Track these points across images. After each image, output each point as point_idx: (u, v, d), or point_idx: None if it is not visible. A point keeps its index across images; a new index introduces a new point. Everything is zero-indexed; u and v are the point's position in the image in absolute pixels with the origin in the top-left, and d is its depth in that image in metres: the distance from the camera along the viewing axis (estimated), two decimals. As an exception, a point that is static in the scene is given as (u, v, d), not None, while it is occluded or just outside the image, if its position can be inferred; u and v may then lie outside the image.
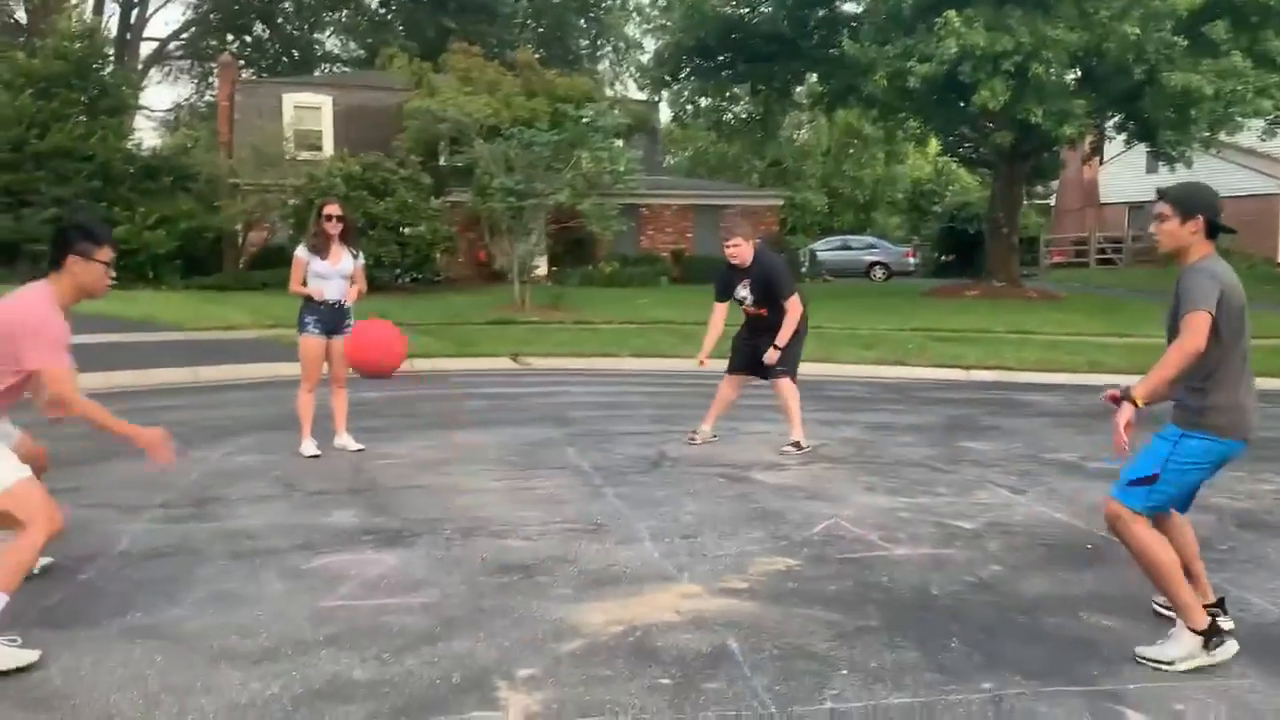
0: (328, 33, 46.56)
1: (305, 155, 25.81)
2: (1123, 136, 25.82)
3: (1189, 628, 3.52)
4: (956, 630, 3.85)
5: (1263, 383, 4.92)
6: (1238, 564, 4.75)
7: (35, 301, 3.70)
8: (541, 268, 24.38)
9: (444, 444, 7.45)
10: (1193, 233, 3.58)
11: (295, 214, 21.69)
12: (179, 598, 4.14)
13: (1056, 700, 3.28)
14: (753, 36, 25.21)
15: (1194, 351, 3.40)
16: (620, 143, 22.39)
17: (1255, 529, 5.37)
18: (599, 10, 45.99)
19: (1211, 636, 3.50)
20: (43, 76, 23.35)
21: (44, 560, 3.69)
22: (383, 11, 44.61)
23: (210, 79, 42.45)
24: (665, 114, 35.60)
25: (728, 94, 28.87)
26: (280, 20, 43.94)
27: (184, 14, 43.28)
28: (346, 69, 43.01)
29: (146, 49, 41.91)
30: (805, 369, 7.48)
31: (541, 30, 45.16)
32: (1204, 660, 3.49)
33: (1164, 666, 3.50)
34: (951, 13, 18.90)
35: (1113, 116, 24.35)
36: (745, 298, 7.25)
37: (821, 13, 24.94)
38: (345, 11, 43.55)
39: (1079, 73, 21.66)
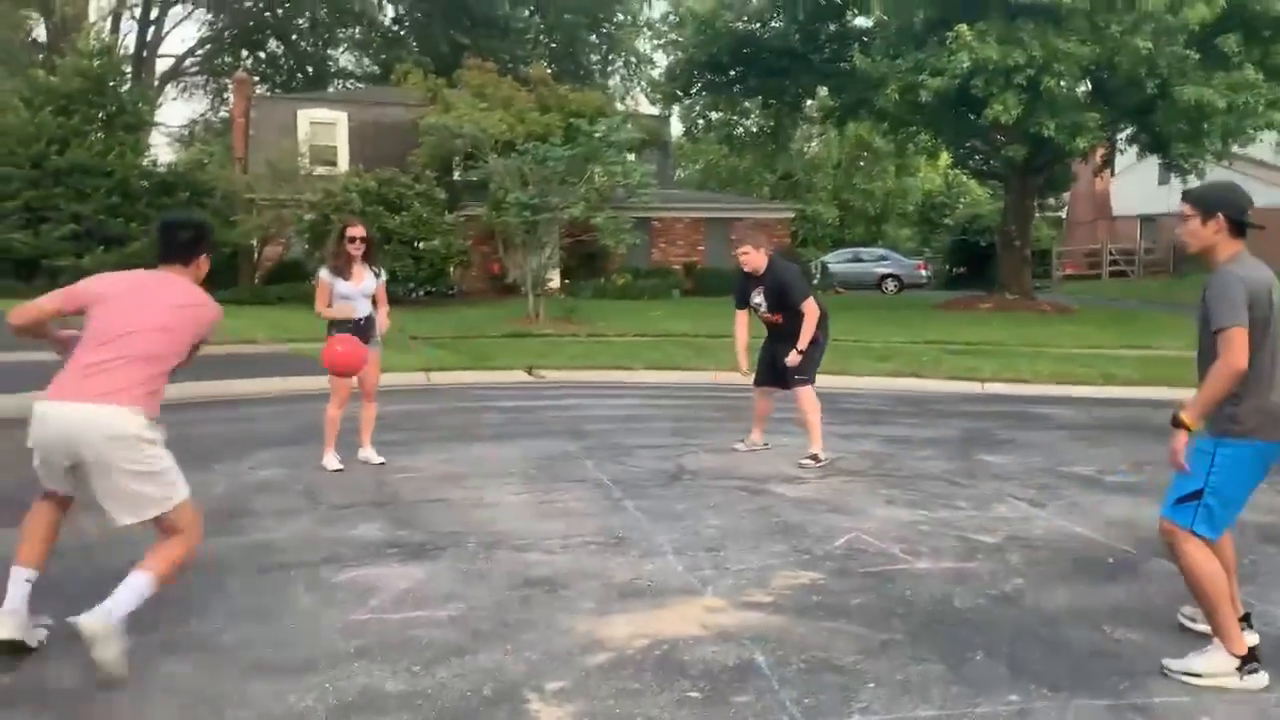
0: (342, 49, 46.91)
1: (320, 170, 26.00)
2: (1135, 149, 25.81)
3: (1228, 650, 3.52)
4: (980, 643, 3.88)
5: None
6: (1262, 578, 4.75)
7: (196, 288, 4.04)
8: (555, 281, 24.47)
9: (463, 457, 7.50)
10: (1215, 231, 3.59)
11: (311, 229, 21.82)
12: (210, 611, 4.19)
13: (1082, 713, 3.31)
14: (764, 51, 25.32)
15: (1238, 370, 3.40)
16: (633, 157, 22.49)
17: (1278, 543, 5.37)
18: (610, 26, 46.23)
19: (1246, 663, 3.50)
20: (62, 93, 23.57)
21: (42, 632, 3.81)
22: (396, 28, 44.95)
23: (225, 95, 42.82)
24: (676, 128, 35.80)
25: (739, 108, 28.97)
26: (295, 37, 44.29)
27: (199, 31, 43.64)
28: (361, 85, 43.31)
29: (163, 65, 42.33)
30: (820, 381, 7.50)
31: (554, 46, 45.41)
32: (1233, 684, 3.48)
33: (1190, 680, 3.51)
34: (963, 27, 18.95)
35: (1125, 129, 24.35)
36: (760, 304, 7.37)
37: (833, 27, 25.04)
38: (359, 28, 43.88)
39: (1090, 86, 21.69)
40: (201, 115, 47.85)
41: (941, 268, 38.67)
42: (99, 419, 3.54)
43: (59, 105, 23.36)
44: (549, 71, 29.57)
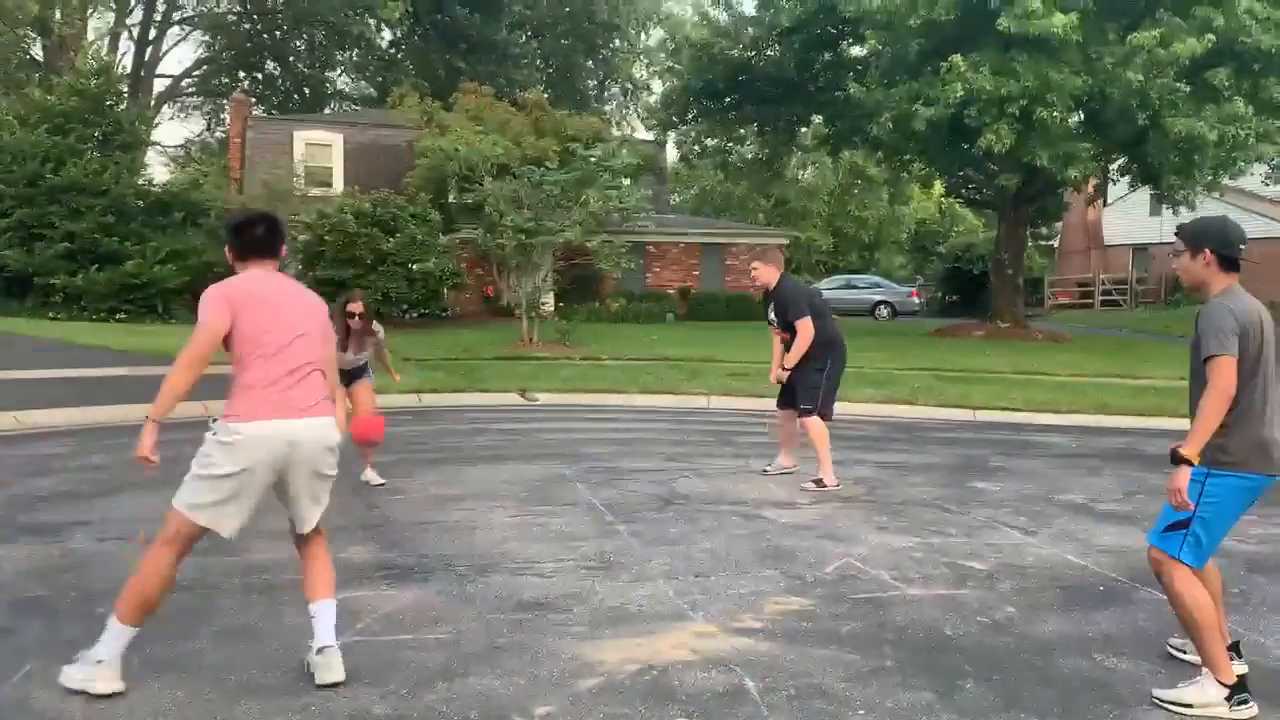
0: (339, 71, 47.09)
1: (316, 191, 26.04)
2: (1127, 179, 26.01)
3: (1217, 679, 3.52)
4: (971, 671, 3.87)
5: None
6: (1250, 608, 4.76)
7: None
8: (549, 304, 24.50)
9: (454, 480, 7.49)
10: (1205, 265, 3.64)
11: (305, 250, 21.84)
12: (197, 631, 4.17)
13: (1073, 742, 3.29)
14: (760, 79, 25.52)
15: (1227, 397, 3.43)
16: (629, 182, 22.58)
17: (1267, 572, 5.38)
18: (607, 52, 46.54)
19: (1236, 693, 3.50)
20: (58, 112, 23.63)
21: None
22: (393, 51, 45.17)
23: (222, 115, 42.92)
24: (672, 153, 36.00)
25: (734, 135, 29.18)
26: (292, 59, 44.44)
27: (197, 52, 43.78)
28: (357, 107, 43.48)
29: (160, 85, 42.40)
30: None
31: (551, 71, 45.68)
32: (1222, 714, 3.48)
33: (1181, 710, 3.51)
34: (957, 57, 19.14)
35: (1117, 160, 24.55)
36: (771, 320, 7.59)
37: (828, 56, 25.26)
38: (356, 51, 44.07)
39: (1083, 117, 21.89)
40: (198, 135, 47.99)
41: (935, 295, 38.84)
42: (324, 431, 3.67)
43: (55, 124, 23.39)
44: (545, 96, 29.73)
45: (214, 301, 3.60)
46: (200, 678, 3.68)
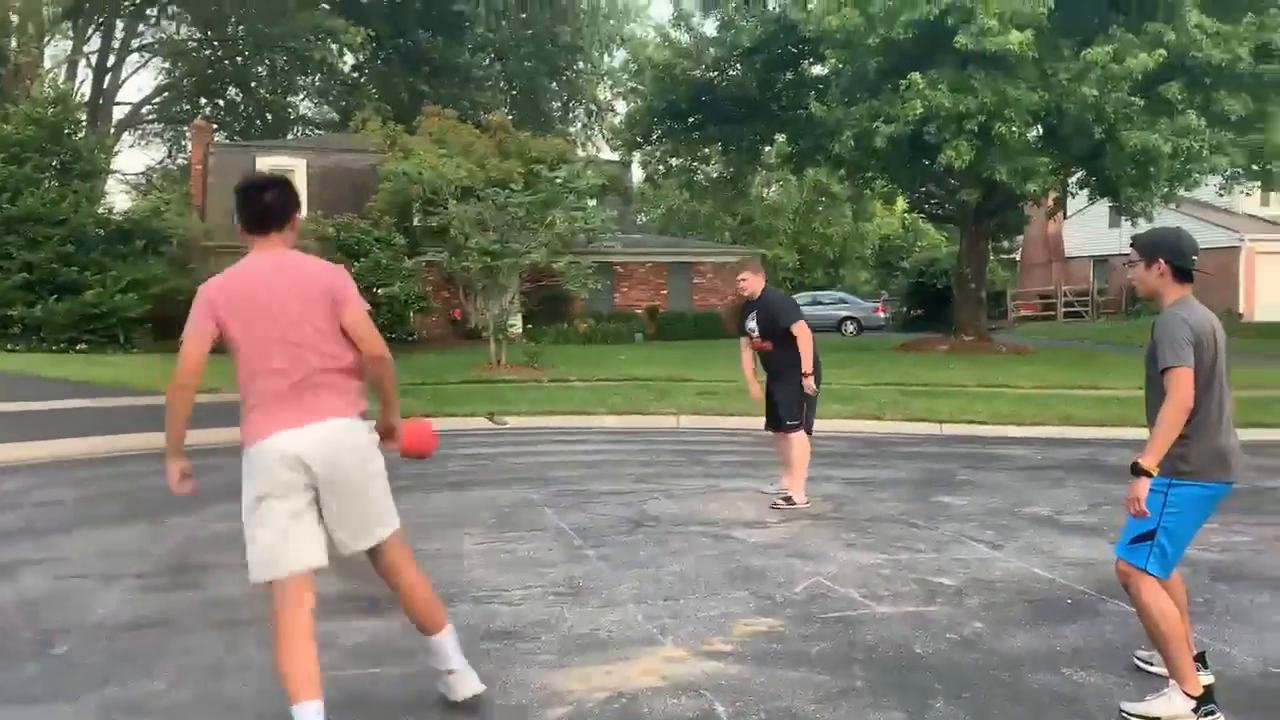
0: (301, 96, 46.90)
1: (279, 217, 25.86)
2: (1085, 192, 26.41)
3: (1184, 690, 3.54)
4: (941, 689, 3.87)
5: (1239, 433, 5.00)
6: (1215, 617, 4.80)
7: (324, 263, 3.60)
8: (517, 326, 24.43)
9: (422, 506, 7.41)
10: (1159, 275, 3.70)
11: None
12: (158, 670, 4.09)
13: (1043, 758, 3.30)
14: (722, 99, 25.71)
15: (1185, 408, 3.48)
16: (594, 202, 22.61)
17: (1230, 581, 5.44)
18: (571, 74, 46.71)
19: (1203, 704, 3.52)
20: (14, 141, 23.31)
21: None
22: (356, 75, 45.05)
23: (183, 142, 42.59)
24: (638, 173, 36.13)
25: (699, 154, 29.35)
26: (254, 85, 44.22)
27: (157, 79, 43.37)
28: (320, 131, 43.29)
29: (120, 112, 42.00)
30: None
31: (515, 93, 45.76)
32: None
33: (1148, 723, 3.53)
34: (915, 75, 19.37)
35: (1075, 173, 24.92)
36: (753, 329, 7.51)
37: (789, 75, 25.48)
38: (319, 76, 43.91)
39: (1041, 131, 22.22)
40: (159, 162, 47.54)
41: (899, 310, 39.14)
42: (332, 432, 3.42)
43: (11, 153, 23.09)
44: (509, 118, 29.74)
45: (195, 307, 3.36)
46: (161, 719, 3.61)
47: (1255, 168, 22.52)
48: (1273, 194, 31.61)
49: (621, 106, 34.87)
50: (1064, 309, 37.28)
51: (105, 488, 8.02)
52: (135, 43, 40.31)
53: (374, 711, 3.66)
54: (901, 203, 35.24)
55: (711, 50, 25.60)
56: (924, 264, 38.31)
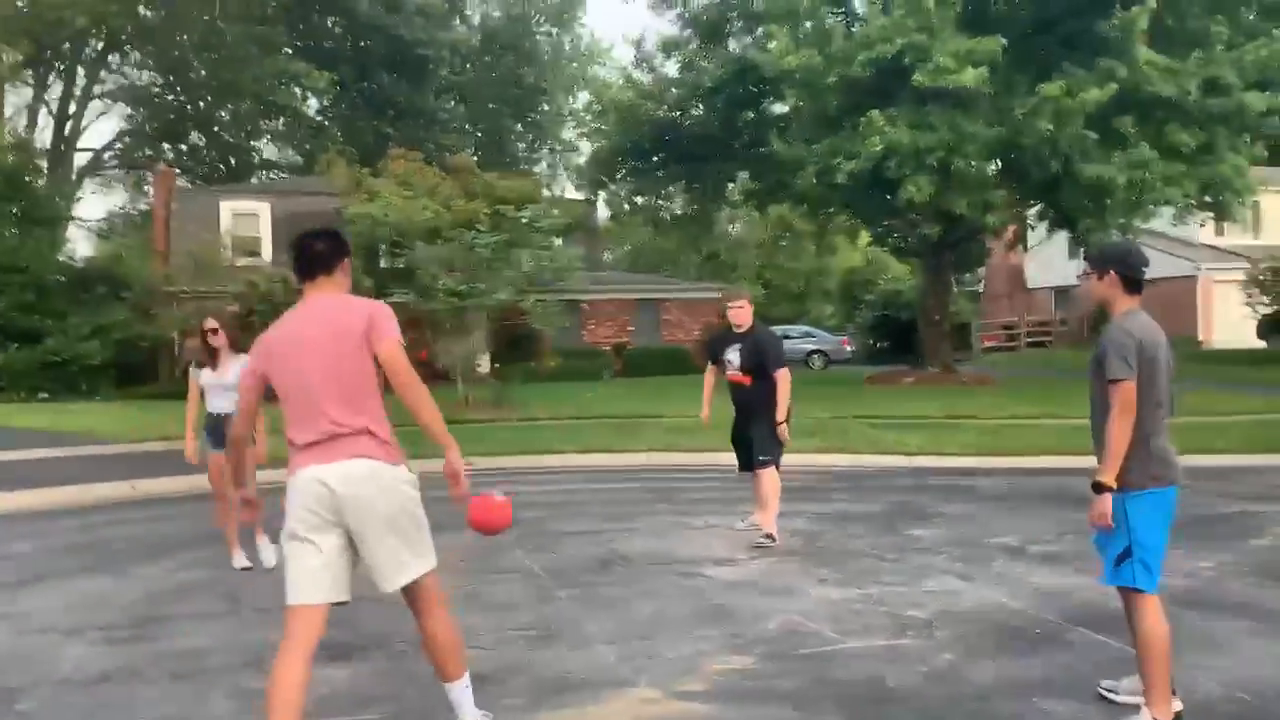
0: (265, 140, 46.82)
1: (245, 261, 25.75)
2: (1044, 225, 26.85)
3: (1153, 715, 3.58)
4: (913, 722, 3.88)
5: (1191, 460, 5.07)
6: (1180, 643, 4.83)
7: (366, 301, 3.66)
8: (485, 366, 24.38)
9: (392, 551, 7.35)
10: (1109, 286, 3.83)
11: (235, 320, 21.52)
12: (123, 725, 4.02)
13: (1014, 789, 3.32)
14: (686, 138, 25.98)
15: (1131, 421, 3.60)
16: (560, 241, 22.72)
17: (1195, 607, 5.50)
18: (535, 115, 47.02)
19: None
20: (-27, 189, 23.19)
21: None
22: (320, 119, 45.10)
23: (145, 187, 42.32)
24: (603, 211, 36.33)
25: (663, 192, 29.57)
26: (217, 129, 44.11)
27: (119, 124, 43.20)
28: (285, 175, 43.20)
29: (81, 159, 41.72)
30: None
31: (480, 135, 45.97)
32: None
33: (1117, 750, 3.56)
34: (875, 112, 19.68)
35: (1034, 206, 25.35)
36: (732, 361, 7.36)
37: (751, 114, 25.81)
38: (283, 119, 43.90)
39: (1000, 165, 22.61)
40: (121, 208, 47.20)
41: (865, 343, 39.45)
42: (357, 469, 3.54)
43: (-29, 201, 22.94)
44: (475, 159, 29.87)
45: (251, 354, 3.55)
46: (126, 775, 3.55)
47: (1207, 199, 23.03)
48: (1227, 224, 32.27)
49: (586, 146, 35.11)
50: (1027, 339, 37.76)
51: (68, 540, 7.90)
52: (97, 89, 40.15)
53: (344, 761, 3.61)
54: (864, 237, 35.63)
55: (674, 90, 25.89)
56: (888, 297, 38.69)
